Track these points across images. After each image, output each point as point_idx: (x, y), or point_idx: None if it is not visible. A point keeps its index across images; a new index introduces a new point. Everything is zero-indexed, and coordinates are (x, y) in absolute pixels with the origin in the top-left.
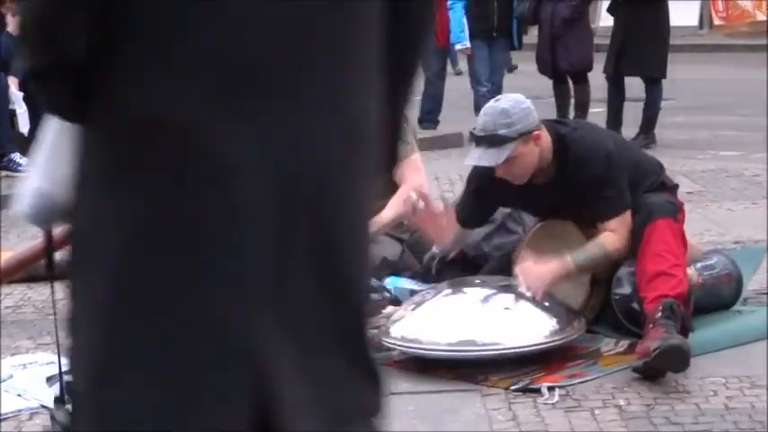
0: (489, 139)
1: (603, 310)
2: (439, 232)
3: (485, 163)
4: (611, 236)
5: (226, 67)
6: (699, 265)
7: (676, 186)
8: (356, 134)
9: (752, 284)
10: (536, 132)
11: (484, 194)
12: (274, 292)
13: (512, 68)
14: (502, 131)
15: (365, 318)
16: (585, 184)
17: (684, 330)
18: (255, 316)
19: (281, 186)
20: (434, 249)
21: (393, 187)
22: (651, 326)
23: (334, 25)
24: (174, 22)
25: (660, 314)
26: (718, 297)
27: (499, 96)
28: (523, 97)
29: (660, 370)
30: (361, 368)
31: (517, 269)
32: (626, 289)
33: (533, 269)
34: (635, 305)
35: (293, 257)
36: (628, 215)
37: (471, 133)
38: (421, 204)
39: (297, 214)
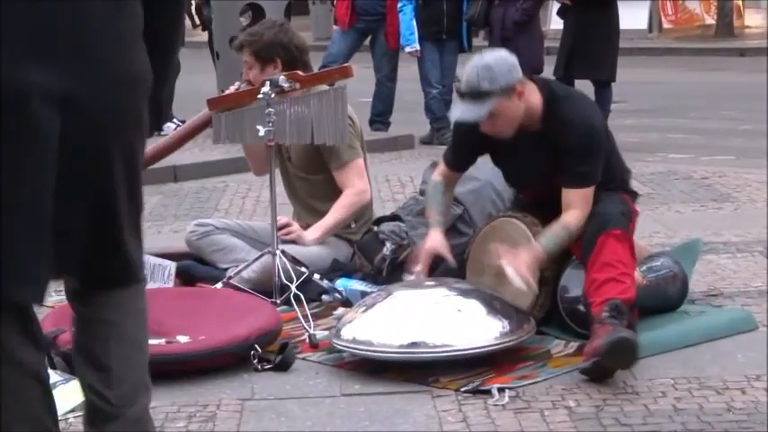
0: (472, 95)
1: (552, 312)
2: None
3: (468, 117)
4: (574, 213)
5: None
6: (644, 267)
7: (637, 195)
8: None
9: (699, 286)
10: (519, 88)
11: (469, 138)
12: None
13: None
14: (484, 85)
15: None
16: (564, 145)
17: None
18: None
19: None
20: (385, 251)
21: (336, 192)
22: (598, 325)
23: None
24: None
25: (606, 313)
26: (664, 297)
27: (484, 51)
28: (508, 53)
29: (610, 368)
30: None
31: (504, 262)
32: (572, 291)
33: (520, 260)
34: (581, 307)
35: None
36: (591, 190)
37: (455, 88)
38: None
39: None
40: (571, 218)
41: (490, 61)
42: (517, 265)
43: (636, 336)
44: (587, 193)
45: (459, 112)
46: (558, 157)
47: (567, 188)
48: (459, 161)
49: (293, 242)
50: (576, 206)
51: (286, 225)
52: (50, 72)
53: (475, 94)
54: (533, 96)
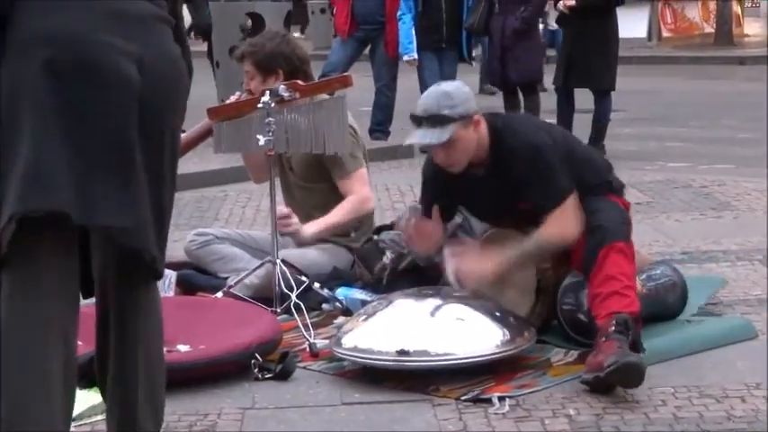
0: (432, 120)
1: (552, 321)
2: (428, 243)
3: (428, 141)
4: (547, 228)
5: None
6: (643, 275)
7: (623, 186)
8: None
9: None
10: (476, 117)
11: (435, 189)
12: None
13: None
14: (445, 111)
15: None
16: (516, 176)
17: (635, 348)
18: None
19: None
20: (385, 260)
21: (342, 197)
22: (603, 339)
23: None
24: None
25: (614, 328)
26: (664, 306)
27: (440, 81)
28: (463, 83)
29: (611, 385)
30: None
31: (450, 258)
32: (571, 300)
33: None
34: (581, 316)
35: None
36: (568, 203)
37: (412, 115)
38: (413, 221)
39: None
40: (544, 230)
41: (449, 89)
42: (463, 267)
43: (642, 360)
44: (564, 207)
45: (420, 136)
46: (514, 186)
47: (546, 213)
48: (428, 213)
49: (291, 235)
50: (551, 221)
51: (287, 216)
52: (124, 41)
53: (435, 120)
54: (484, 129)
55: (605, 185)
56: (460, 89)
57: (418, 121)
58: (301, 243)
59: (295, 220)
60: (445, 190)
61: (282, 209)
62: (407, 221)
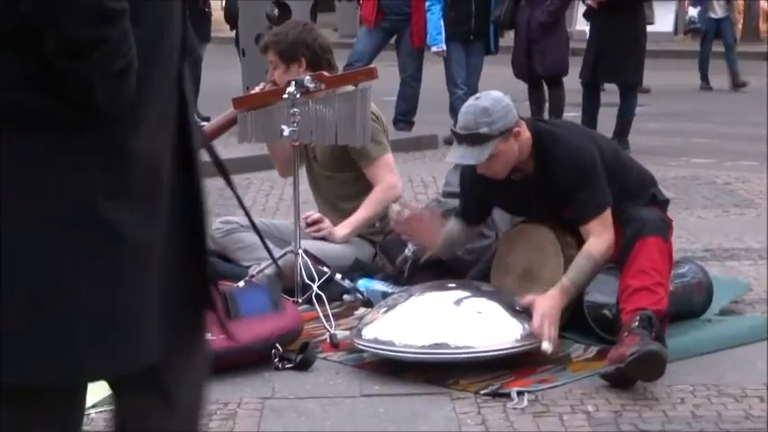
0: (471, 138)
1: (573, 316)
2: (427, 235)
3: (467, 161)
4: (596, 242)
5: None
6: (671, 273)
7: (667, 201)
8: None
9: None
10: (516, 129)
11: (474, 189)
12: None
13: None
14: (483, 130)
15: None
16: (561, 184)
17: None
18: None
19: None
20: (407, 252)
21: (367, 187)
22: (626, 334)
23: None
24: None
25: (637, 323)
26: (689, 305)
27: (479, 94)
28: (502, 95)
29: (632, 377)
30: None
31: (526, 306)
32: (598, 296)
33: (544, 308)
34: (606, 312)
35: None
36: (607, 214)
37: (452, 131)
38: (406, 213)
39: None
40: (593, 246)
41: (487, 105)
42: (544, 322)
43: (665, 349)
44: (604, 218)
45: (459, 156)
46: (558, 194)
47: (581, 224)
48: (467, 212)
49: (323, 239)
50: (595, 234)
51: (318, 221)
52: None
53: (474, 138)
54: (525, 135)
55: (650, 198)
56: (499, 103)
57: (459, 138)
58: (334, 242)
59: (326, 224)
60: (486, 192)
61: (313, 215)
62: (398, 215)
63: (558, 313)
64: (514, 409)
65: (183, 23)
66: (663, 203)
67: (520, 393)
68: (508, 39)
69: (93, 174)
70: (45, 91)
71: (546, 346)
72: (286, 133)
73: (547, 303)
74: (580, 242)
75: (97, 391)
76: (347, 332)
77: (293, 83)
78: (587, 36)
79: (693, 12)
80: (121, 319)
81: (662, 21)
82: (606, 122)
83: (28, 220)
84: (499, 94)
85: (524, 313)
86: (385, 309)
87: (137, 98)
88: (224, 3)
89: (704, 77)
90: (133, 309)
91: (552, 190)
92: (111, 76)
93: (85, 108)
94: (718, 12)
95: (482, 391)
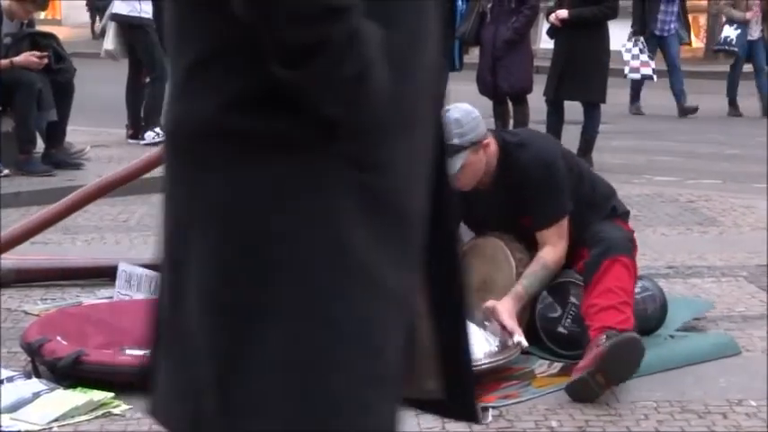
0: None
1: (533, 332)
2: None
3: None
4: (550, 251)
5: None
6: None
7: (627, 213)
8: None
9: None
10: (486, 141)
11: None
12: None
13: None
14: (454, 141)
15: None
16: (523, 186)
17: None
18: None
19: None
20: None
21: None
22: (594, 347)
23: None
24: None
25: (604, 340)
26: (644, 318)
27: (449, 106)
28: (472, 107)
29: (607, 371)
30: None
31: (488, 313)
32: (550, 313)
33: (506, 309)
34: (560, 329)
35: None
36: (564, 223)
37: None
38: None
39: None
40: (548, 254)
41: (458, 116)
42: (502, 319)
43: (641, 339)
44: (560, 227)
45: None
46: (519, 199)
47: (539, 230)
48: None
49: None
50: (551, 243)
51: None
52: None
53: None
54: (493, 148)
55: (610, 210)
56: (470, 114)
57: None
58: None
59: None
60: None
61: None
62: None
63: (509, 315)
64: (479, 424)
65: (440, 34)
66: (623, 215)
67: (484, 409)
68: (473, 55)
69: (338, 204)
70: (274, 110)
71: (519, 338)
72: None
73: (505, 306)
74: (529, 246)
75: (61, 405)
76: None
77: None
78: (552, 54)
79: (731, 32)
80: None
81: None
82: (570, 140)
83: (273, 261)
84: (469, 106)
85: (489, 326)
86: None
87: (385, 114)
88: None
89: (732, 103)
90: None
91: (513, 196)
92: (340, 83)
93: (317, 125)
94: (753, 33)
95: None
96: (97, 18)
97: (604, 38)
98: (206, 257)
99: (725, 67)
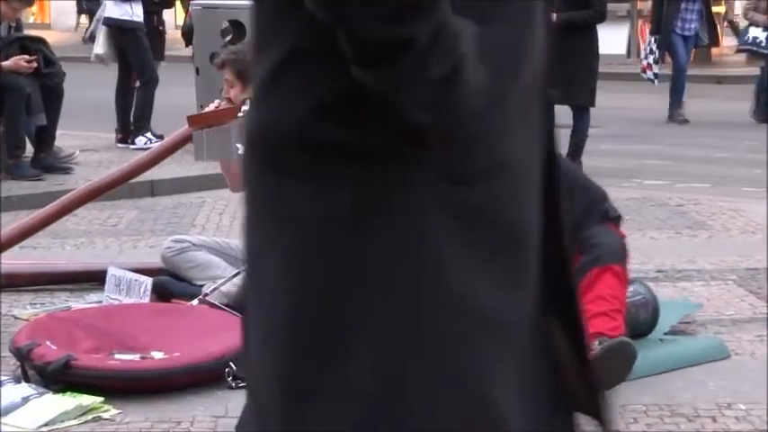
0: None
1: None
2: None
3: None
4: None
5: None
6: None
7: (619, 217)
8: None
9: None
10: None
11: None
12: None
13: None
14: None
15: None
16: None
17: None
18: None
19: None
20: None
21: None
22: None
23: None
24: None
25: (597, 345)
26: (635, 323)
27: None
28: None
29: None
30: None
31: None
32: None
33: None
34: None
35: None
36: None
37: None
38: None
39: None
40: None
41: None
42: None
43: (632, 343)
44: None
45: None
46: None
47: None
48: None
49: None
50: None
51: None
52: None
53: None
54: None
55: (602, 214)
56: None
57: None
58: None
59: None
60: None
61: None
62: None
63: None
64: None
65: (547, 32)
66: (615, 219)
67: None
68: None
69: (429, 221)
70: (362, 117)
71: None
72: (241, 151)
73: None
74: None
75: (50, 409)
76: None
77: (248, 101)
78: None
79: (759, 33)
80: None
81: (615, 43)
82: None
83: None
84: None
85: None
86: None
87: (483, 118)
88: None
89: (762, 106)
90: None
91: None
92: (426, 85)
93: (406, 133)
94: None
95: None
96: (82, 17)
97: (593, 42)
98: (282, 272)
99: (713, 72)
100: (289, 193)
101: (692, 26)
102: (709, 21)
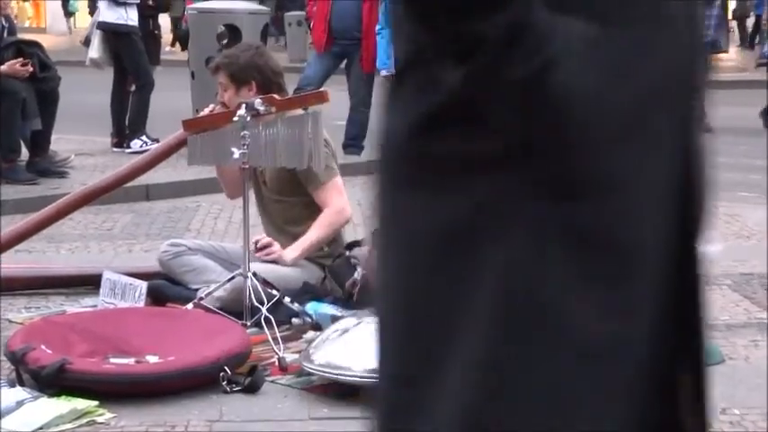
0: None
1: None
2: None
3: None
4: None
5: None
6: None
7: None
8: None
9: None
10: None
11: None
12: None
13: None
14: None
15: None
16: None
17: None
18: None
19: None
20: (356, 276)
21: (315, 211)
22: None
23: None
24: None
25: None
26: None
27: None
28: None
29: None
30: None
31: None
32: None
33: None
34: None
35: None
36: None
37: None
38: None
39: None
40: None
41: None
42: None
43: None
44: None
45: None
46: None
47: None
48: None
49: (273, 262)
50: None
51: (267, 245)
52: None
53: None
54: None
55: None
56: None
57: None
58: (284, 265)
59: (276, 247)
60: None
61: (263, 239)
62: (369, 254)
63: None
64: None
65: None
66: None
67: None
68: None
69: (528, 239)
70: (465, 129)
71: None
72: (236, 156)
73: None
74: None
75: (45, 413)
76: (296, 355)
77: (244, 105)
78: None
79: None
80: None
81: None
82: None
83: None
84: None
85: None
86: (335, 332)
87: (590, 126)
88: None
89: None
90: None
91: None
92: (510, 87)
93: (502, 145)
94: None
95: None
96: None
97: None
98: (394, 286)
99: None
100: (402, 205)
101: (710, 32)
102: (726, 27)
